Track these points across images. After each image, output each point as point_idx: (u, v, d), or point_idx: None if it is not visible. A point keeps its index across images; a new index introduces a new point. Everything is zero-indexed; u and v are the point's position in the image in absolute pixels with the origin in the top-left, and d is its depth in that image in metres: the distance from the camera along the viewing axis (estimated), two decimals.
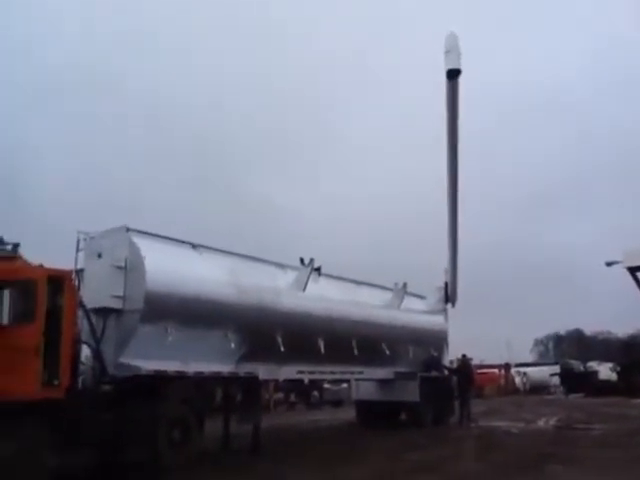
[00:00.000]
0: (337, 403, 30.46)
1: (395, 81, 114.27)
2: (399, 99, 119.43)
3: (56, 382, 9.22)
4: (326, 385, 29.55)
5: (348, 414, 21.31)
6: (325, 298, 15.09)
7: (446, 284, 20.92)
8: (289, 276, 14.58)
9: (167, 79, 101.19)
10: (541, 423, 20.06)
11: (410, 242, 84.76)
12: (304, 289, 14.34)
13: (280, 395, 28.45)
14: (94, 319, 10.52)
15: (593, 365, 48.44)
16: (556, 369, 49.01)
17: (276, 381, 20.14)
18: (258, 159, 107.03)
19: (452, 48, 15.15)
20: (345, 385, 26.66)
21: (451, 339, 20.95)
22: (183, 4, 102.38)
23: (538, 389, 47.46)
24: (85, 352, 10.48)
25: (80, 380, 10.23)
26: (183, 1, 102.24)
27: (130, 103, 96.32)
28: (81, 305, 10.28)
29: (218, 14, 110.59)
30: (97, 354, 10.39)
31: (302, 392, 29.68)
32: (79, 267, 11.18)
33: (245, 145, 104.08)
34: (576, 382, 42.40)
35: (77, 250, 11.31)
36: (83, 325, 10.42)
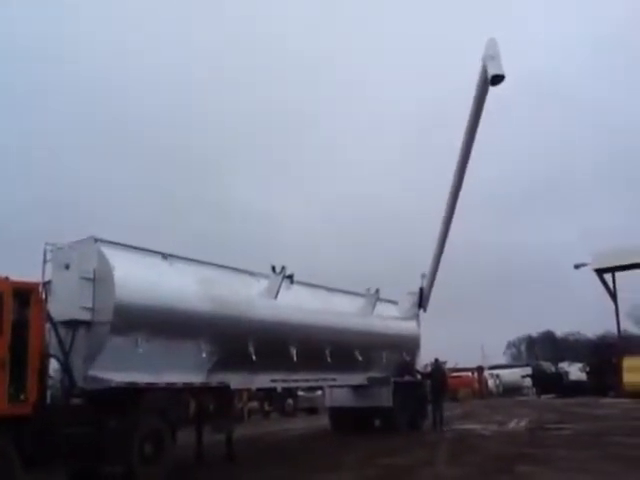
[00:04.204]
0: (312, 410, 30.39)
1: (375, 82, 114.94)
2: (375, 103, 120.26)
3: (23, 397, 9.05)
4: (300, 393, 29.49)
5: (323, 421, 21.29)
6: (297, 306, 15.06)
7: (421, 289, 21.02)
8: (261, 284, 14.52)
9: (146, 84, 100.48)
10: (514, 425, 20.28)
11: (382, 244, 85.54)
12: (276, 297, 14.30)
13: (254, 404, 28.29)
14: (62, 332, 10.35)
15: (564, 366, 49.15)
16: (528, 371, 49.65)
17: (250, 390, 20.08)
18: (233, 163, 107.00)
19: (494, 54, 15.47)
20: (319, 392, 26.64)
21: (424, 343, 21.11)
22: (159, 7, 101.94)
23: (511, 391, 48.00)
24: (54, 366, 10.31)
25: (49, 394, 10.03)
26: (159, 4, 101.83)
27: (108, 106, 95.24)
28: (49, 318, 10.11)
29: (197, 15, 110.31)
30: (66, 367, 10.22)
31: (276, 400, 29.56)
32: (46, 279, 11.00)
33: (218, 149, 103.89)
34: (547, 383, 43.02)
35: (44, 262, 11.12)
36: (51, 338, 10.24)
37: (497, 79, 15.46)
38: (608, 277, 36.18)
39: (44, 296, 10.32)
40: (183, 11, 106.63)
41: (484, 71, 15.95)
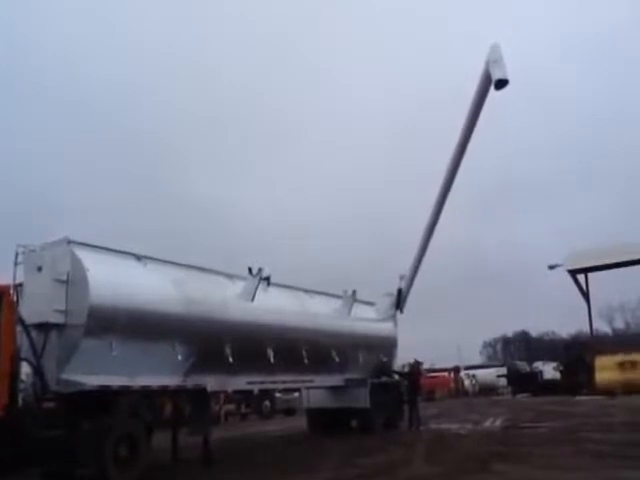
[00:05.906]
0: (289, 412, 30.38)
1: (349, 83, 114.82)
2: (353, 101, 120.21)
3: None
4: (277, 394, 29.40)
5: (300, 423, 21.24)
6: (274, 308, 15.03)
7: (399, 290, 21.06)
8: (237, 286, 14.46)
9: (114, 77, 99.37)
10: (490, 424, 20.45)
11: (359, 245, 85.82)
12: (252, 299, 14.24)
13: (231, 406, 28.16)
14: (35, 335, 10.20)
15: (538, 365, 49.77)
16: (503, 370, 50.20)
17: (227, 392, 19.98)
18: (204, 160, 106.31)
19: (498, 59, 15.59)
20: (296, 394, 26.60)
21: (402, 344, 21.18)
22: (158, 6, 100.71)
23: (487, 390, 48.49)
24: (26, 369, 10.15)
25: (20, 398, 9.88)
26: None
27: (103, 104, 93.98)
28: (20, 320, 9.95)
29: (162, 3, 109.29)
30: (38, 370, 10.07)
31: (253, 402, 29.45)
32: (18, 281, 10.83)
33: (189, 146, 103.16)
34: (522, 382, 43.50)
35: (15, 264, 10.96)
36: (23, 341, 10.08)
37: (501, 83, 15.60)
38: (581, 278, 36.78)
39: (15, 299, 10.17)
40: (183, 10, 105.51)
41: (486, 75, 16.01)
